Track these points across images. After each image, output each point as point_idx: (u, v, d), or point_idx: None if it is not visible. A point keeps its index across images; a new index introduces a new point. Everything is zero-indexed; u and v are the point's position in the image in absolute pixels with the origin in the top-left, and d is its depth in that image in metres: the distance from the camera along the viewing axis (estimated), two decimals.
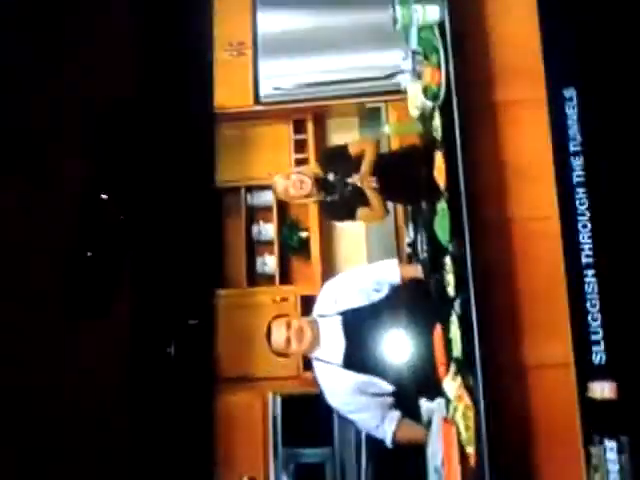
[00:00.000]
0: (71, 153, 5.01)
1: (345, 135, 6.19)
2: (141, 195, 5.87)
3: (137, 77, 6.02)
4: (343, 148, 4.96)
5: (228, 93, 6.30)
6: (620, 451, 2.97)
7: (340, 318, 4.14)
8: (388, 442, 4.07)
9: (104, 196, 5.52)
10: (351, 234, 6.37)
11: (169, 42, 6.25)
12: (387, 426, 4.04)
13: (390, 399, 4.07)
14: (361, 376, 4.03)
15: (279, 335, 4.09)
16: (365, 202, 4.80)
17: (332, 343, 4.10)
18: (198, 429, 5.69)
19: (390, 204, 5.14)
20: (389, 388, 4.04)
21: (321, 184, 4.84)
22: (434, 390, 3.75)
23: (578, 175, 3.26)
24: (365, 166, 4.77)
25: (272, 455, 5.65)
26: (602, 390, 3.07)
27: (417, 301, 4.17)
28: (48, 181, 4.70)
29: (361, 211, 4.86)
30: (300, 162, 6.24)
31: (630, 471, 2.96)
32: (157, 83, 6.12)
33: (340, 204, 4.88)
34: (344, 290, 4.28)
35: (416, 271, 4.42)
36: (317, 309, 4.31)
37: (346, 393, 4.06)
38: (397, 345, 4.04)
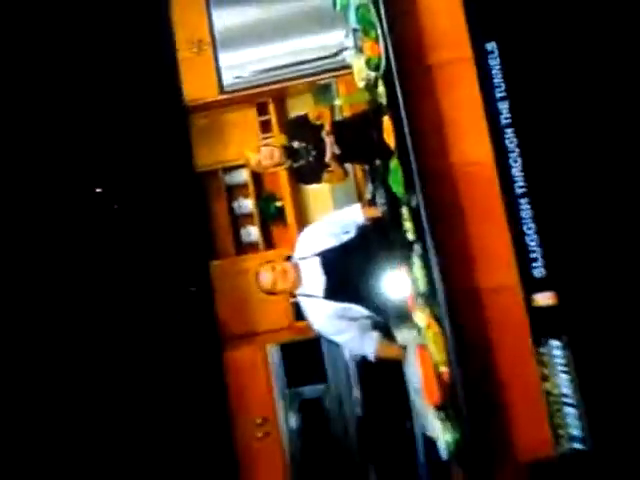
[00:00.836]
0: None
1: (303, 111, 6.19)
2: (132, 188, 5.93)
3: (114, 81, 6.04)
4: (304, 117, 5.01)
5: (195, 87, 6.26)
6: (563, 347, 3.20)
7: (318, 258, 4.31)
8: (371, 357, 4.27)
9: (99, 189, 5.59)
10: (319, 197, 6.43)
11: (135, 48, 6.23)
12: (368, 344, 4.26)
13: (368, 321, 4.28)
14: (340, 304, 4.22)
15: (266, 278, 4.27)
16: (327, 165, 4.85)
17: (313, 279, 4.28)
18: (211, 382, 5.82)
19: (349, 165, 5.21)
20: (366, 312, 4.25)
21: (288, 152, 4.86)
22: (405, 314, 3.96)
23: (505, 117, 3.40)
24: (327, 124, 4.82)
25: (278, 396, 5.83)
26: (544, 298, 3.28)
27: (381, 238, 4.31)
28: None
29: (325, 175, 4.92)
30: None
31: (572, 363, 3.18)
32: (127, 86, 6.12)
33: (307, 169, 4.90)
34: (318, 235, 4.48)
35: (376, 211, 4.58)
36: (297, 254, 4.47)
37: (329, 318, 4.27)
38: (367, 275, 4.21)
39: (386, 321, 4.25)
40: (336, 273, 4.26)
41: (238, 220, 6.59)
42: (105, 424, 5.21)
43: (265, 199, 6.50)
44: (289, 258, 4.45)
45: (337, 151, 4.78)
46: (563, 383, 3.22)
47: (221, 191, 6.53)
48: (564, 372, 3.22)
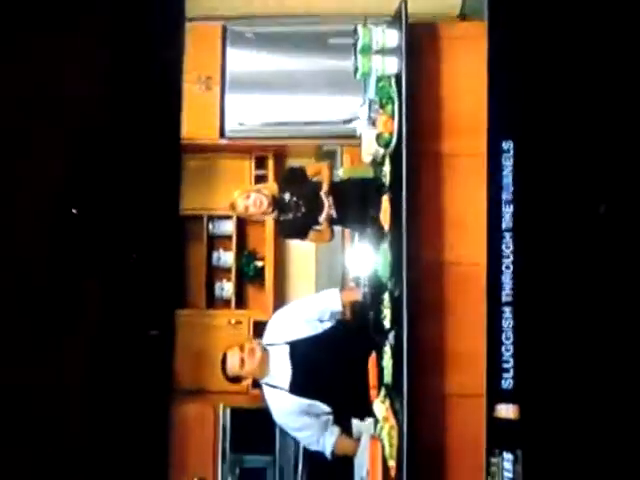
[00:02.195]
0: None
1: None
2: (109, 217, 5.95)
3: (109, 103, 6.08)
4: (300, 170, 5.09)
5: (195, 126, 6.08)
6: (515, 462, 3.33)
7: (287, 347, 4.38)
8: (328, 454, 4.34)
9: (74, 211, 5.60)
10: (302, 265, 6.55)
11: (142, 73, 6.27)
12: (327, 441, 4.32)
13: (329, 417, 4.33)
14: (305, 400, 4.28)
15: (234, 359, 4.33)
16: (316, 223, 4.91)
17: (280, 370, 4.34)
18: (154, 435, 5.80)
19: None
20: (328, 409, 4.31)
21: (277, 203, 4.91)
22: (367, 411, 4.03)
23: (507, 221, 3.48)
24: (325, 184, 4.87)
25: (221, 459, 5.95)
26: (507, 411, 3.41)
27: (356, 333, 4.45)
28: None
29: (312, 233, 4.98)
30: None
31: (520, 478, 3.31)
32: (128, 112, 6.16)
33: (293, 224, 4.97)
34: (291, 321, 4.52)
35: (356, 294, 4.69)
36: (267, 338, 4.53)
37: (292, 414, 4.33)
38: (336, 373, 4.29)
39: (347, 417, 4.31)
40: (304, 367, 4.33)
41: (214, 272, 6.63)
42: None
43: (246, 256, 6.56)
44: (258, 327, 4.49)
45: (334, 214, 4.84)
46: None
47: (202, 239, 6.57)
48: None
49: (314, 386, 4.30)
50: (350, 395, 4.26)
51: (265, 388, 4.42)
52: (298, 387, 4.30)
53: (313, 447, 4.43)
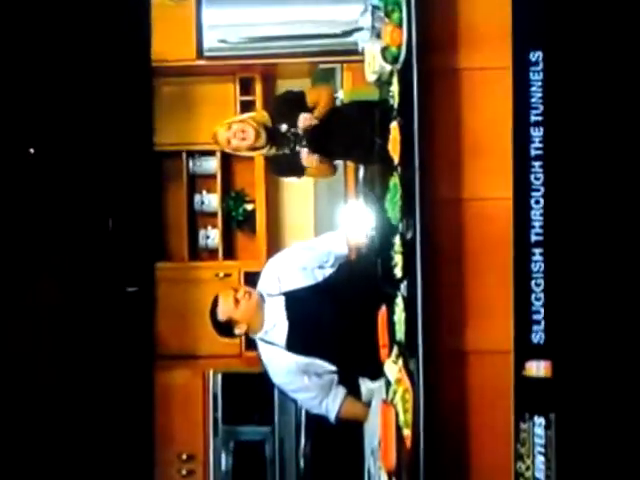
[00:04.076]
0: None
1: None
2: (72, 150, 5.88)
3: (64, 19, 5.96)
4: (299, 94, 4.95)
5: (168, 44, 6.16)
6: (547, 427, 3.28)
7: (283, 299, 4.34)
8: (332, 418, 4.34)
9: (32, 150, 5.56)
10: (299, 207, 6.53)
11: None
12: (331, 403, 4.31)
13: (334, 376, 4.32)
14: (303, 358, 4.26)
15: (227, 300, 4.30)
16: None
17: (275, 324, 4.31)
18: (137, 407, 5.89)
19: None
20: (332, 367, 4.29)
21: (271, 135, 4.79)
22: (377, 370, 3.96)
23: (536, 147, 3.34)
24: (318, 110, 4.78)
25: (212, 432, 5.98)
26: (538, 369, 3.32)
27: (362, 281, 4.34)
28: None
29: (309, 168, 4.90)
30: None
31: (554, 445, 3.26)
32: (88, 27, 6.04)
33: (288, 159, 4.86)
34: (287, 268, 4.46)
35: (362, 238, 4.57)
36: (260, 287, 4.47)
37: (290, 373, 4.31)
38: (340, 326, 4.26)
39: (354, 377, 4.31)
40: (302, 320, 4.29)
41: (197, 218, 6.63)
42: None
43: (234, 198, 6.54)
44: (250, 279, 4.46)
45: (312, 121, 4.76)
46: (538, 466, 3.28)
47: (182, 179, 6.55)
48: (542, 454, 3.28)
49: (313, 342, 4.29)
50: (356, 351, 4.23)
51: (260, 344, 4.41)
52: (295, 343, 4.28)
53: (315, 411, 4.44)
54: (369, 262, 4.36)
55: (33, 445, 5.46)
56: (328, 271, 4.45)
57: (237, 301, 4.27)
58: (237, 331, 4.43)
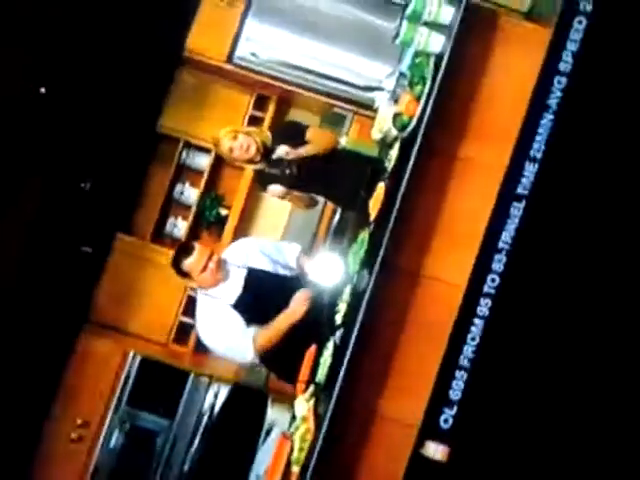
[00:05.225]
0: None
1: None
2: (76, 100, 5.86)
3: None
4: (302, 127, 5.00)
5: (204, 40, 6.23)
6: None
7: (245, 271, 4.51)
8: (251, 353, 4.41)
9: (42, 90, 5.53)
10: (270, 225, 6.54)
11: None
12: (246, 339, 4.39)
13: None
14: (241, 319, 4.41)
15: (198, 261, 4.40)
16: (299, 188, 4.94)
17: (229, 287, 4.47)
18: (50, 360, 5.84)
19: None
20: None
21: (267, 155, 4.84)
22: (289, 374, 4.22)
23: (504, 241, 3.46)
24: (304, 150, 4.82)
25: (113, 408, 5.93)
26: (435, 451, 3.38)
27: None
28: None
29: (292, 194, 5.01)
30: None
31: None
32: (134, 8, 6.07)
33: (277, 179, 4.92)
34: (257, 250, 4.67)
35: (313, 265, 4.70)
36: (226, 256, 4.64)
37: (221, 322, 4.46)
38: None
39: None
40: (255, 292, 4.47)
41: (173, 206, 6.65)
42: None
43: (212, 199, 6.56)
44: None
45: (294, 170, 4.84)
46: None
47: (170, 165, 6.55)
48: None
49: (257, 311, 4.41)
50: (281, 352, 4.38)
51: (202, 298, 4.55)
52: (243, 306, 4.42)
53: (237, 355, 4.53)
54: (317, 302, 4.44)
55: None
56: (282, 271, 4.62)
57: (205, 268, 4.39)
58: (189, 283, 4.72)
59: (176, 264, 4.47)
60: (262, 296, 4.45)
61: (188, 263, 4.42)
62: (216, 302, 4.46)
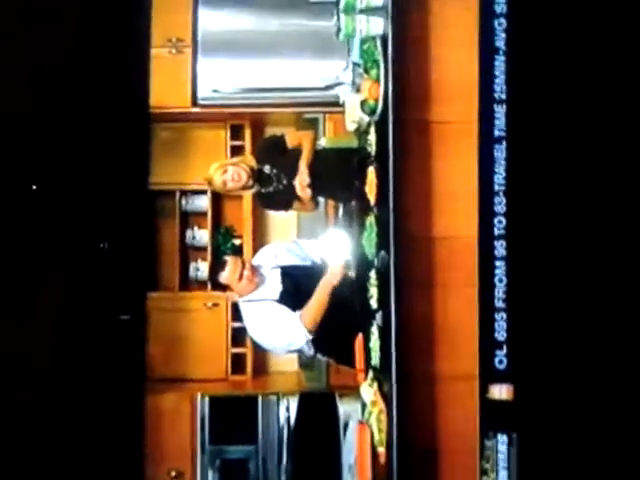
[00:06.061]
0: None
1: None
2: (72, 192, 5.98)
3: (71, 69, 6.06)
4: (280, 138, 5.14)
5: (165, 93, 6.26)
6: (510, 444, 3.44)
7: (279, 270, 4.71)
8: (303, 333, 4.56)
9: (34, 187, 5.64)
10: (284, 233, 6.65)
11: (106, 34, 6.22)
12: (295, 320, 4.55)
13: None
14: (289, 311, 4.58)
15: (233, 272, 4.57)
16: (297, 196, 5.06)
17: (268, 286, 4.65)
18: (128, 427, 5.93)
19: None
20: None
21: (256, 176, 4.97)
22: (345, 356, 4.41)
23: (499, 184, 3.54)
24: (303, 162, 4.94)
25: (200, 451, 6.05)
26: (500, 392, 3.50)
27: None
28: None
29: (296, 203, 5.15)
30: None
31: (516, 462, 3.44)
32: (91, 77, 6.14)
33: (275, 196, 5.08)
34: (285, 251, 4.91)
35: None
36: (258, 260, 4.89)
37: (271, 320, 4.63)
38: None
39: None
40: (294, 284, 4.64)
41: (189, 252, 6.73)
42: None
43: (223, 233, 6.64)
44: (236, 309, 4.83)
45: (307, 180, 4.95)
46: None
47: (175, 216, 6.65)
48: (505, 469, 3.43)
49: (300, 298, 4.57)
50: (332, 330, 4.54)
51: (246, 306, 4.70)
52: (288, 298, 4.59)
53: (295, 345, 4.68)
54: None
55: (28, 467, 5.54)
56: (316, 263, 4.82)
57: (241, 277, 4.56)
58: (229, 295, 4.83)
59: (214, 280, 4.70)
60: (301, 284, 4.61)
61: (225, 276, 4.59)
62: (260, 304, 4.62)
